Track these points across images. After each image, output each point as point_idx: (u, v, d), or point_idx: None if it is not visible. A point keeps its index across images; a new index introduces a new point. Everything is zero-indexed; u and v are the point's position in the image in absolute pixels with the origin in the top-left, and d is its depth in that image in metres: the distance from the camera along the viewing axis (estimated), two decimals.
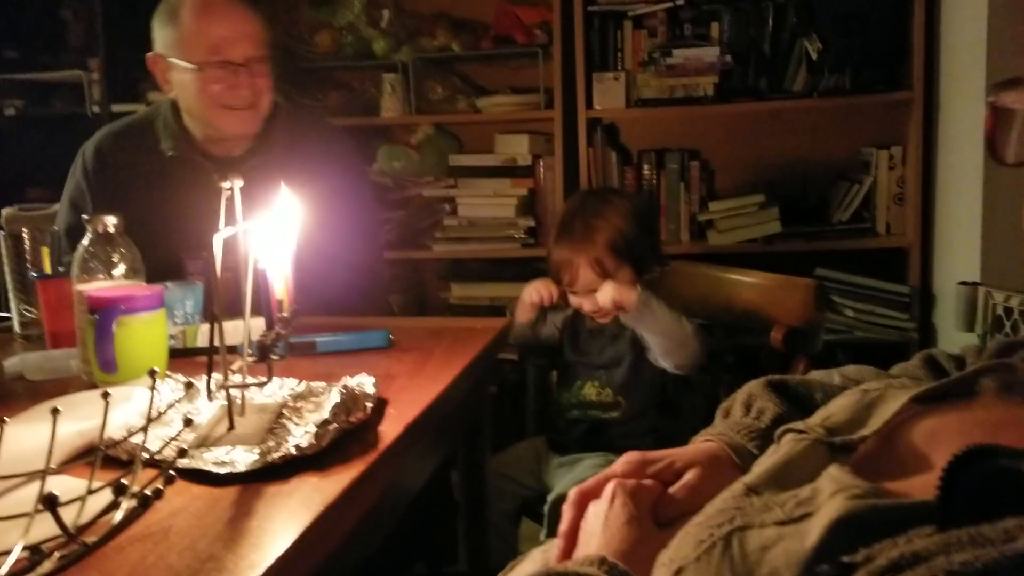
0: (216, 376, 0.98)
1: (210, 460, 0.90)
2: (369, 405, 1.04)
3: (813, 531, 0.49)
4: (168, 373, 1.13)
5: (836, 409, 0.69)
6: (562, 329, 1.86)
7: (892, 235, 2.69)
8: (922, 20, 2.52)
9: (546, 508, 1.65)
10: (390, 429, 1.02)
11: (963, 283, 2.21)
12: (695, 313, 1.85)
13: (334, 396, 1.01)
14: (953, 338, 2.33)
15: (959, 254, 2.39)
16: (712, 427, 0.83)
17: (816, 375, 0.88)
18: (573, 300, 1.80)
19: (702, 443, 0.80)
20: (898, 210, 2.68)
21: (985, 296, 2.13)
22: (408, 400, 1.12)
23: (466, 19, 2.97)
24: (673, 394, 1.77)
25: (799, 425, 0.67)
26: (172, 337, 1.34)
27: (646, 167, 2.82)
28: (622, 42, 2.77)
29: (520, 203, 2.86)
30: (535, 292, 1.81)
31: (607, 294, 1.70)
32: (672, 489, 0.73)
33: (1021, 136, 0.53)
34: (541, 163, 2.86)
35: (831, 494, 0.52)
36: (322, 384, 1.12)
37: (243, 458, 0.90)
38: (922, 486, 0.53)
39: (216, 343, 0.96)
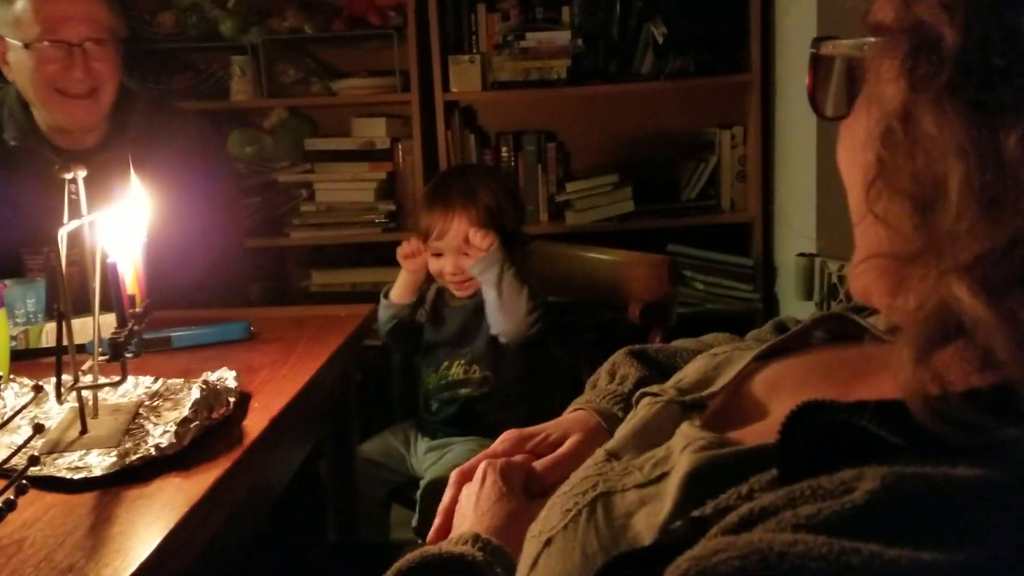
0: (66, 377, 0.94)
1: (63, 466, 0.86)
2: (231, 400, 1.02)
3: (670, 490, 0.52)
4: (12, 376, 1.07)
5: (689, 372, 0.72)
6: (428, 309, 1.86)
7: (736, 211, 2.81)
8: (759, 6, 2.64)
9: (419, 494, 1.66)
10: (255, 423, 1.00)
11: (801, 255, 2.34)
12: (555, 292, 1.89)
13: (194, 393, 0.98)
14: (794, 307, 2.47)
15: (797, 227, 2.53)
16: (581, 397, 0.86)
17: (676, 343, 0.93)
18: (434, 265, 1.79)
19: (572, 413, 0.83)
20: (741, 187, 2.81)
21: (821, 266, 2.27)
22: (272, 392, 1.11)
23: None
24: (536, 364, 1.81)
25: (654, 388, 0.70)
26: (13, 338, 1.27)
27: (504, 149, 2.85)
28: (476, 25, 2.78)
29: (380, 187, 2.83)
30: (404, 246, 1.80)
31: (475, 235, 1.71)
32: (537, 464, 0.76)
33: (838, 88, 0.57)
34: (400, 146, 2.84)
35: (681, 450, 0.55)
36: (180, 381, 1.09)
37: (99, 462, 0.87)
38: (764, 431, 0.56)
39: (64, 342, 0.92)
